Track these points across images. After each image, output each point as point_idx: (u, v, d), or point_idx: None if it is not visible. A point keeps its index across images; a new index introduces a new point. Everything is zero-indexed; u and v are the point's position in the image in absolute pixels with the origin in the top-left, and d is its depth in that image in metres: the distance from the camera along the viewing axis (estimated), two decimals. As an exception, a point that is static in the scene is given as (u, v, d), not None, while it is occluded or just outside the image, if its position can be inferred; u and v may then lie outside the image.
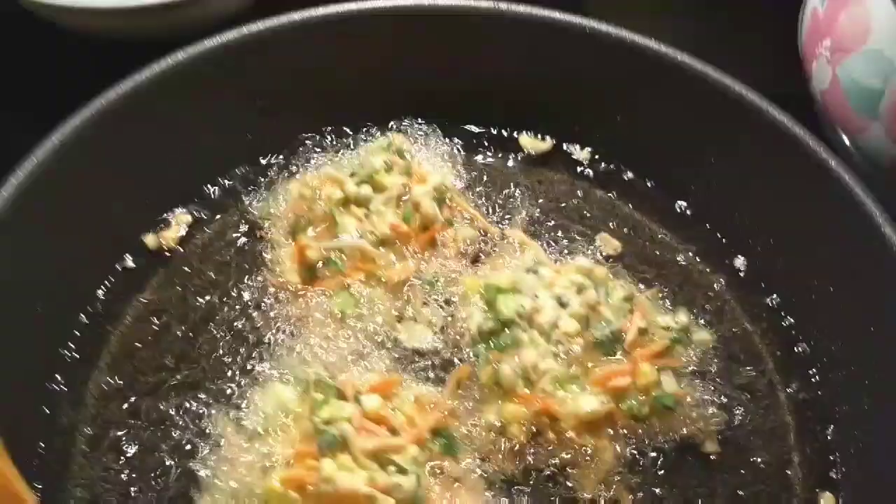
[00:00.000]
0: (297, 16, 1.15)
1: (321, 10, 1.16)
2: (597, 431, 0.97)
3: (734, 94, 1.11)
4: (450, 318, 1.07)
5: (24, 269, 0.97)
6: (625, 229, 1.18)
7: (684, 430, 0.99)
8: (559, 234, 1.17)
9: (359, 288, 1.07)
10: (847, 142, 1.14)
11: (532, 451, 0.96)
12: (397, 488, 0.89)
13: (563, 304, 1.03)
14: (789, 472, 0.99)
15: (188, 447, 0.97)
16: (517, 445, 0.96)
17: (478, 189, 1.21)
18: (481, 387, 1.00)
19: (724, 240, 1.16)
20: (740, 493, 0.97)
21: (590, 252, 1.15)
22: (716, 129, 1.14)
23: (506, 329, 1.02)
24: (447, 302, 1.08)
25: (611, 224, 1.18)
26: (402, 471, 0.90)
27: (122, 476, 0.95)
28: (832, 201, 1.04)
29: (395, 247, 1.11)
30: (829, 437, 1.01)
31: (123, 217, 1.10)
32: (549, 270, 1.07)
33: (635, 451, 0.98)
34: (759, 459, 1.00)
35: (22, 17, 1.32)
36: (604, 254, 1.15)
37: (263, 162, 1.21)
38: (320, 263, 1.08)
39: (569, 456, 0.96)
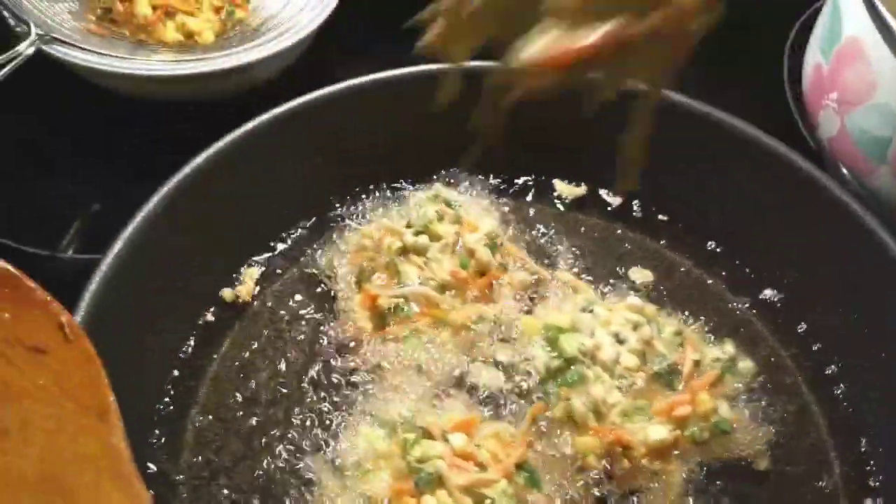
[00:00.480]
0: (351, 82, 1.25)
1: (368, 77, 1.26)
2: (665, 457, 1.06)
3: (752, 137, 1.23)
4: (515, 358, 1.15)
5: (127, 333, 1.03)
6: (661, 268, 1.28)
7: (738, 450, 1.09)
8: (601, 273, 1.27)
9: (427, 332, 1.15)
10: (853, 180, 1.27)
11: (609, 480, 1.05)
12: None
13: (620, 341, 1.12)
14: (831, 483, 1.10)
15: (285, 494, 1.03)
16: (593, 475, 1.05)
17: (519, 235, 1.30)
18: (554, 422, 1.08)
19: (752, 274, 1.27)
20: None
21: (628, 289, 1.25)
22: (737, 172, 1.25)
23: (571, 366, 1.11)
24: (509, 343, 1.17)
25: (646, 263, 1.28)
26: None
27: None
28: (848, 235, 1.15)
29: (456, 292, 1.19)
30: (863, 449, 1.12)
31: (201, 275, 1.17)
32: (603, 309, 1.17)
33: (698, 472, 1.07)
34: (802, 472, 1.10)
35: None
36: (637, 283, 1.25)
37: (322, 216, 1.29)
38: (390, 311, 1.16)
39: (641, 482, 1.05)
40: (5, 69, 1.19)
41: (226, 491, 1.04)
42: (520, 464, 1.03)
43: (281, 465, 1.06)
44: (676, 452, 1.07)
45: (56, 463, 0.82)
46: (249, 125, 1.17)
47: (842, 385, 1.17)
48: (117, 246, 1.04)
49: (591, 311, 1.17)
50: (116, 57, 1.31)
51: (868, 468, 1.11)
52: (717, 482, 1.07)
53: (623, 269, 1.27)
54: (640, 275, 1.26)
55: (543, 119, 1.26)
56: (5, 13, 1.30)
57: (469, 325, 1.17)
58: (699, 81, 1.31)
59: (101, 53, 1.30)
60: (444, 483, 0.98)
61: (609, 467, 1.05)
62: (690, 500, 1.05)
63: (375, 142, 1.28)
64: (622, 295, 1.23)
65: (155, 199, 1.08)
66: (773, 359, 1.19)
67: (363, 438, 1.06)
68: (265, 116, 1.18)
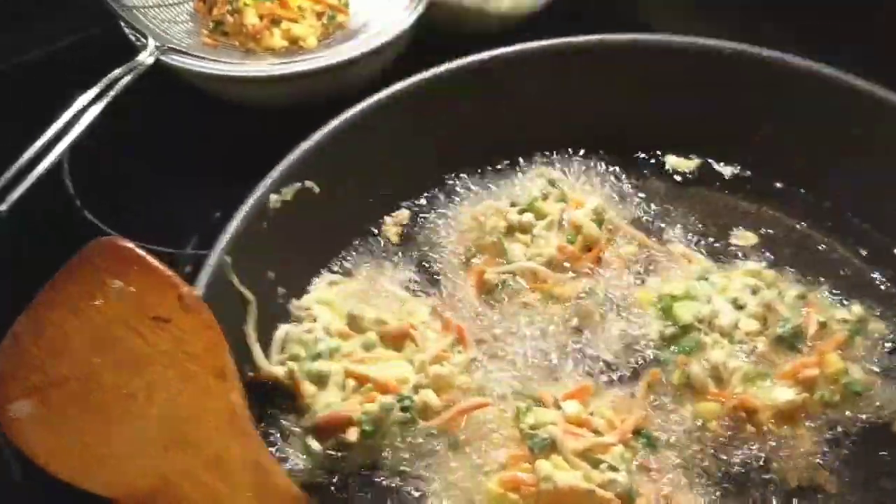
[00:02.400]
0: (461, 61, 1.26)
1: (474, 57, 1.27)
2: (793, 421, 1.00)
3: (866, 91, 1.17)
4: (629, 330, 1.12)
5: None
6: (779, 236, 1.23)
7: (874, 414, 1.02)
8: (715, 244, 1.22)
9: (537, 306, 1.14)
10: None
11: (733, 445, 1.00)
12: (613, 484, 0.94)
13: (739, 307, 1.08)
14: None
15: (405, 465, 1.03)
16: (717, 441, 1.00)
17: (629, 211, 1.27)
18: (673, 389, 1.05)
19: (878, 233, 1.20)
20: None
21: (745, 257, 1.20)
22: (854, 129, 1.19)
23: (687, 334, 1.07)
24: (624, 316, 1.14)
25: (763, 231, 1.23)
26: (612, 468, 0.95)
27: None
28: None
29: (564, 268, 1.18)
30: None
31: (310, 254, 1.20)
32: (720, 277, 1.13)
33: (831, 438, 1.01)
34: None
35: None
36: (741, 245, 1.21)
37: (430, 196, 1.30)
38: (498, 286, 1.16)
39: (769, 448, 1.00)
40: (127, 77, 1.26)
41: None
42: (637, 429, 1.00)
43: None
44: (804, 416, 1.01)
45: (177, 420, 0.85)
46: (359, 106, 1.19)
47: None
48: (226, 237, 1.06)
49: (706, 280, 1.13)
50: (228, 62, 1.38)
51: None
52: (852, 447, 1.01)
53: (740, 238, 1.22)
54: (744, 238, 1.22)
55: (654, 92, 1.28)
56: (126, 29, 1.39)
57: (579, 299, 1.15)
58: (805, 38, 1.28)
59: (213, 59, 1.37)
60: (558, 448, 0.96)
61: (732, 433, 1.00)
62: (818, 461, 0.99)
63: (483, 123, 1.29)
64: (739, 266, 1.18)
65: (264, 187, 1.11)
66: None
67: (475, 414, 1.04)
68: (379, 96, 1.21)
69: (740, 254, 1.20)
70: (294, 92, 1.41)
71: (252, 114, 1.45)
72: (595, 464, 0.96)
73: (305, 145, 1.14)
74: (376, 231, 1.25)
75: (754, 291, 1.10)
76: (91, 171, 1.36)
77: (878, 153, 1.18)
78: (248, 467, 0.87)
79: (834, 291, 1.14)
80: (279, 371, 1.06)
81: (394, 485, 1.01)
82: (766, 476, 0.99)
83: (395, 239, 1.24)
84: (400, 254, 1.23)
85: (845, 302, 1.12)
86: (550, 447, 0.96)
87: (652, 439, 1.00)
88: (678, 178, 1.32)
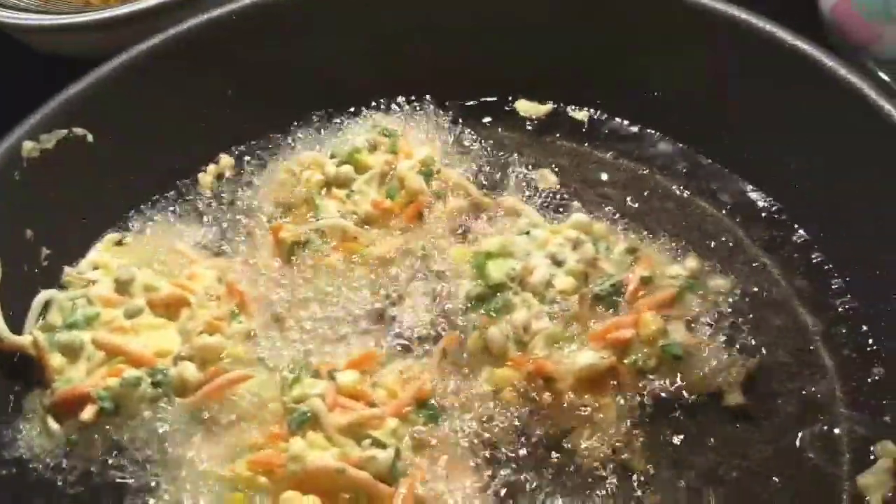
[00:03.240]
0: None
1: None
2: (599, 390, 0.86)
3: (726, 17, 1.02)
4: (440, 292, 0.98)
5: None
6: (631, 185, 1.09)
7: (701, 383, 0.87)
8: (557, 197, 1.08)
9: (341, 266, 1.01)
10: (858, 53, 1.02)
11: (529, 417, 0.86)
12: (371, 462, 0.81)
13: (558, 263, 0.95)
14: (834, 428, 0.86)
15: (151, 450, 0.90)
16: (513, 413, 0.86)
17: (469, 161, 1.13)
18: (473, 356, 0.91)
19: (734, 175, 1.06)
20: (772, 449, 0.84)
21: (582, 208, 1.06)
22: (712, 63, 1.04)
23: (497, 294, 0.93)
24: (438, 276, 1.00)
25: (608, 179, 1.10)
26: (379, 444, 0.83)
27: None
28: (851, 114, 0.92)
29: (380, 224, 1.05)
30: (876, 379, 0.88)
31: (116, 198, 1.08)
32: (544, 231, 1.00)
33: (644, 410, 0.86)
34: (792, 409, 0.88)
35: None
36: (541, 188, 1.08)
37: (249, 148, 1.16)
38: (300, 246, 1.02)
39: (568, 420, 0.85)
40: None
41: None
42: (421, 401, 0.87)
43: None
44: (615, 385, 0.86)
45: None
46: (136, 49, 1.06)
47: (845, 299, 0.94)
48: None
49: (527, 234, 1.00)
50: (65, 13, 1.26)
51: (884, 401, 0.86)
52: (668, 421, 0.86)
53: (582, 190, 1.08)
54: (546, 181, 1.09)
55: (505, 35, 1.13)
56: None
57: (391, 259, 1.02)
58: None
59: (47, 12, 1.26)
60: (320, 424, 0.84)
61: (529, 405, 0.86)
62: (625, 438, 0.84)
63: (312, 68, 1.15)
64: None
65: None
66: (759, 272, 0.97)
67: (244, 387, 0.90)
68: (157, 39, 1.07)
69: (576, 203, 1.05)
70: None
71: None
72: (360, 439, 0.83)
73: (71, 89, 1.01)
74: (178, 187, 1.12)
75: (576, 246, 0.95)
76: None
77: (743, 93, 1.03)
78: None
79: (673, 245, 0.99)
80: (23, 340, 0.93)
81: (133, 479, 0.88)
82: (560, 454, 0.85)
83: (207, 192, 1.12)
84: (204, 212, 1.10)
85: (682, 256, 0.97)
86: (312, 422, 0.84)
87: (436, 412, 0.87)
88: (529, 125, 1.17)
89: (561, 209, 1.06)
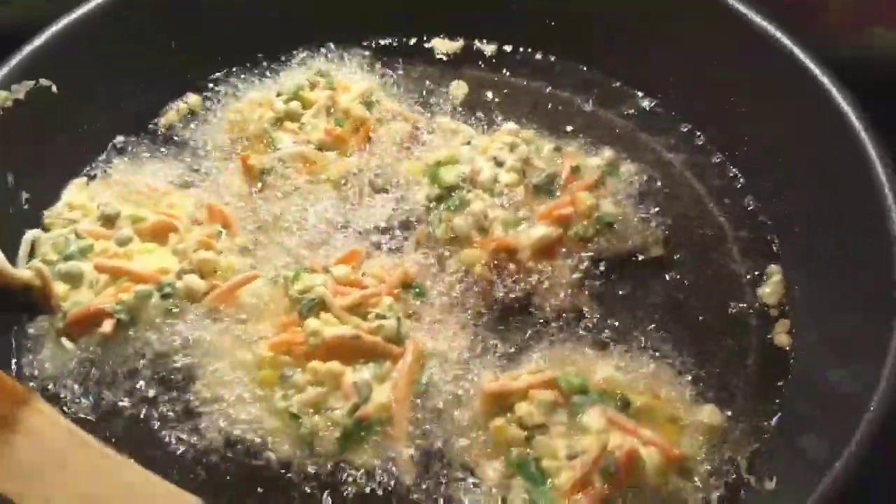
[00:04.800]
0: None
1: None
2: (551, 256, 1.03)
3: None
4: (398, 201, 1.12)
5: None
6: (535, 103, 1.25)
7: (630, 243, 1.06)
8: (482, 115, 1.23)
9: (308, 188, 1.12)
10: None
11: (498, 285, 1.02)
12: (380, 329, 0.95)
13: (499, 164, 1.11)
14: (733, 262, 1.08)
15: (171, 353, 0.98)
16: (483, 284, 1.01)
17: (398, 95, 1.26)
18: (439, 243, 1.05)
19: (627, 88, 1.25)
20: (687, 282, 1.05)
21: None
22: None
23: (453, 193, 1.08)
24: (390, 188, 1.14)
25: (524, 100, 1.25)
26: (381, 317, 0.96)
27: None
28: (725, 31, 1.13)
29: (333, 150, 1.16)
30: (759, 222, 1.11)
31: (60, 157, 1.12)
32: (482, 140, 1.15)
33: (588, 267, 1.04)
34: (699, 256, 1.08)
35: None
36: (457, 99, 1.24)
37: (197, 95, 1.24)
38: (266, 173, 1.13)
39: (530, 283, 1.02)
40: None
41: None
42: (407, 283, 1.01)
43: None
44: (563, 251, 1.03)
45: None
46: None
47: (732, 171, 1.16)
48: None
49: (469, 144, 1.15)
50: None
51: (770, 237, 1.09)
52: (608, 273, 1.05)
53: (503, 110, 1.24)
54: (459, 90, 1.25)
55: None
56: None
57: (350, 178, 1.14)
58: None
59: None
60: (327, 306, 0.96)
61: (496, 275, 1.02)
62: (577, 290, 1.02)
63: (244, 17, 1.24)
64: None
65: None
66: (662, 163, 1.17)
67: (246, 292, 1.00)
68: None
69: (500, 117, 1.22)
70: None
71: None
72: (364, 316, 0.96)
73: (35, 41, 1.06)
74: (136, 130, 1.19)
75: (512, 148, 1.12)
76: None
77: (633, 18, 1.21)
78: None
79: (589, 142, 1.18)
80: (25, 273, 0.98)
81: (163, 385, 0.96)
82: (530, 308, 1.01)
83: (163, 133, 1.19)
84: (164, 150, 1.18)
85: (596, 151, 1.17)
86: (319, 306, 0.96)
87: (422, 289, 1.02)
88: (444, 59, 1.31)
89: (486, 125, 1.21)
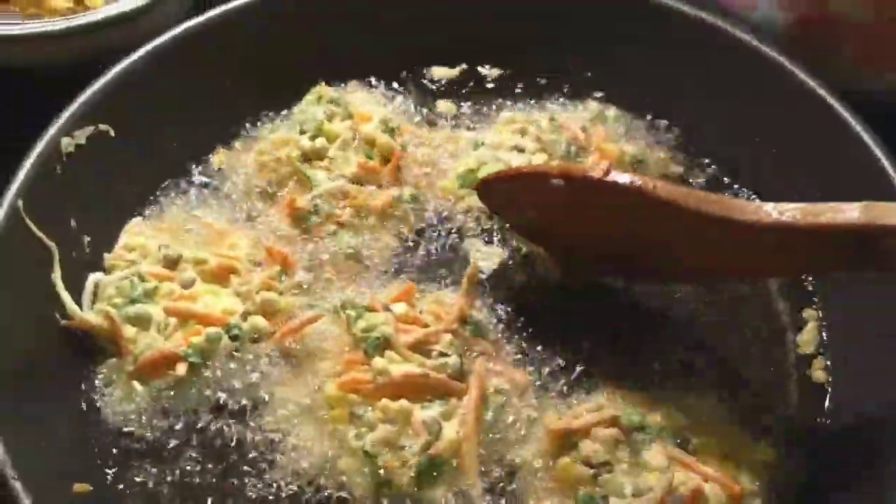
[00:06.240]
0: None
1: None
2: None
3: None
4: (446, 215, 1.17)
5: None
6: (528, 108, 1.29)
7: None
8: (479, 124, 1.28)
9: (355, 222, 1.14)
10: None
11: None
12: (444, 366, 0.97)
13: (520, 150, 1.18)
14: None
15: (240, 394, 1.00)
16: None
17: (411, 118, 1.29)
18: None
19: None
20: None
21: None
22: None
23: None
24: (435, 205, 1.18)
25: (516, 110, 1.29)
26: (443, 354, 0.99)
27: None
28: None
29: (367, 182, 1.18)
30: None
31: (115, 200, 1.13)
32: (488, 136, 1.22)
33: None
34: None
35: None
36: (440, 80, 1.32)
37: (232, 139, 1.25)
38: (310, 213, 1.14)
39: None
40: None
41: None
42: (464, 319, 1.03)
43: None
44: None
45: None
46: (141, 50, 1.14)
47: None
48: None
49: (482, 145, 1.21)
50: (10, 23, 1.26)
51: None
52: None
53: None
54: (441, 72, 1.32)
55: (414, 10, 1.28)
56: None
57: (390, 209, 1.16)
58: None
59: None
60: (392, 345, 0.98)
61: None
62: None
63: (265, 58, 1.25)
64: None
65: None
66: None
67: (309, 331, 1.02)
68: (157, 41, 1.16)
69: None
70: (84, 50, 1.31)
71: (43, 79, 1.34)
72: (427, 354, 0.99)
73: (93, 87, 1.08)
74: (187, 171, 1.20)
75: (523, 134, 1.20)
76: None
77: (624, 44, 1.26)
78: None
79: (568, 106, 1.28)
80: (94, 317, 0.99)
81: (234, 424, 0.98)
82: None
83: (201, 179, 1.20)
84: (209, 192, 1.19)
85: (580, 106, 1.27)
86: (384, 345, 0.98)
87: (478, 325, 1.04)
88: (444, 86, 1.34)
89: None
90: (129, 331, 0.99)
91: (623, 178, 0.94)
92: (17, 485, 0.82)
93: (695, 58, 1.21)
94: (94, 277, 1.04)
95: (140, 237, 1.10)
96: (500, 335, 1.04)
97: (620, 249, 1.03)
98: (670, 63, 1.23)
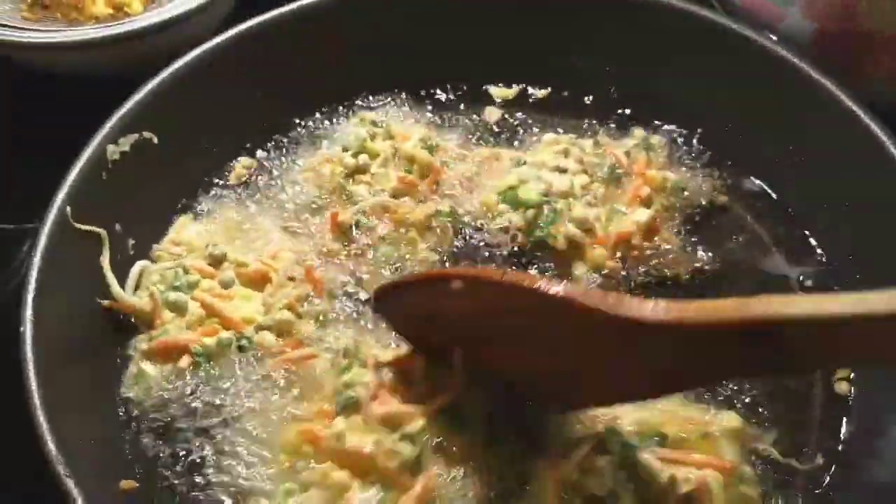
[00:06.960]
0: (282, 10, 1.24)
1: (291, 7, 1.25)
2: (657, 231, 1.17)
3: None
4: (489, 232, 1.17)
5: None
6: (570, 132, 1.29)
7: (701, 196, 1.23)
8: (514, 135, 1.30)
9: (395, 236, 1.17)
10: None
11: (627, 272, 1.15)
12: (397, 455, 0.92)
13: (562, 171, 1.19)
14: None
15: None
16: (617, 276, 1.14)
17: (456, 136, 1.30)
18: (556, 255, 1.15)
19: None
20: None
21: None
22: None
23: (542, 209, 1.15)
24: (472, 224, 1.19)
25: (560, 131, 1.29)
26: (408, 439, 0.93)
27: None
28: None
29: (409, 198, 1.20)
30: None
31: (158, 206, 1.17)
32: (532, 156, 1.22)
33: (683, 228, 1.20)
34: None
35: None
36: (492, 121, 1.31)
37: (274, 143, 1.28)
38: (351, 227, 1.16)
39: (654, 262, 1.15)
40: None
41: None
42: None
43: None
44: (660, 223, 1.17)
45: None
46: (185, 58, 1.17)
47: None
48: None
49: (524, 164, 1.19)
50: (52, 30, 1.31)
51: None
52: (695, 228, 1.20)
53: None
54: (492, 115, 1.32)
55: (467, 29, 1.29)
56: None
57: (431, 223, 1.18)
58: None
59: (37, 30, 1.30)
60: (361, 410, 0.96)
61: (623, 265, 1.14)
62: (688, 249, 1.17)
63: (296, 75, 1.27)
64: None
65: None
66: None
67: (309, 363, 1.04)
68: (203, 48, 1.18)
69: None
70: (125, 57, 1.35)
71: (86, 86, 1.37)
72: (395, 430, 0.94)
73: (137, 96, 1.12)
74: (224, 179, 1.24)
75: (566, 155, 1.21)
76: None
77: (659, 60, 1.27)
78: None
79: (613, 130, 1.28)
80: (138, 300, 1.07)
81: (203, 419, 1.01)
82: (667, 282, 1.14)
83: (235, 181, 1.23)
84: (250, 198, 1.22)
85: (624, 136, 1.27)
86: (354, 406, 0.96)
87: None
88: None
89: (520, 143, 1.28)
90: (167, 315, 1.05)
91: (519, 277, 0.86)
92: (70, 482, 0.84)
93: (748, 87, 1.20)
94: (139, 265, 1.11)
95: (188, 233, 1.15)
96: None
97: (527, 364, 0.91)
98: (719, 89, 1.23)
